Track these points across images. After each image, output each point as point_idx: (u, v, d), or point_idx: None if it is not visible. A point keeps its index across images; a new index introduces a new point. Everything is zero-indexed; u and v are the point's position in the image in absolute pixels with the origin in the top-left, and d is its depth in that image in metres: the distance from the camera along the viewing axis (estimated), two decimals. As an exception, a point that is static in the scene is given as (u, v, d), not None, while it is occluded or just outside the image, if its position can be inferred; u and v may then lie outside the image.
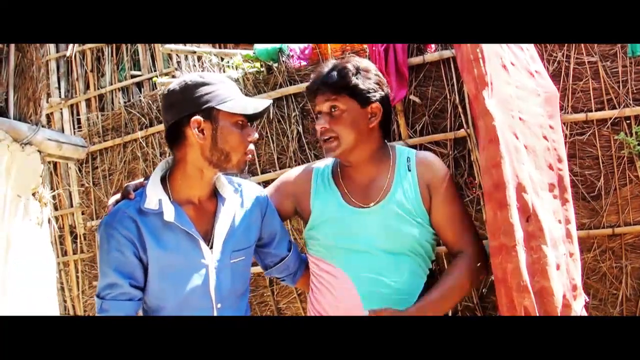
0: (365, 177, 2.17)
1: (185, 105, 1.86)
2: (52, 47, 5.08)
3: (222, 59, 3.76)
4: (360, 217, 2.11)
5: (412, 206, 2.10)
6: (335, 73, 2.10)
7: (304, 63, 3.40)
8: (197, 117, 1.84)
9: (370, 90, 2.10)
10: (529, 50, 1.72)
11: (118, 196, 1.96)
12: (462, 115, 2.93)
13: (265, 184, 3.35)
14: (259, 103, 1.90)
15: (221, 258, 1.94)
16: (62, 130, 4.93)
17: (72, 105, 4.94)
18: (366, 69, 2.12)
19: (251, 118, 1.92)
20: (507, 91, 1.58)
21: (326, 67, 2.14)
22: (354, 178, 2.19)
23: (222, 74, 3.01)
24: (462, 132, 2.92)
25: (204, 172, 1.92)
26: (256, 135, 1.93)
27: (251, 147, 1.93)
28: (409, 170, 2.14)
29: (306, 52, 3.39)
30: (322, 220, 2.17)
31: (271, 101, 1.93)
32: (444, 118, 2.99)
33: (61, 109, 4.94)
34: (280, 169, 3.36)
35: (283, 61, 3.38)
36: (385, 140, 2.23)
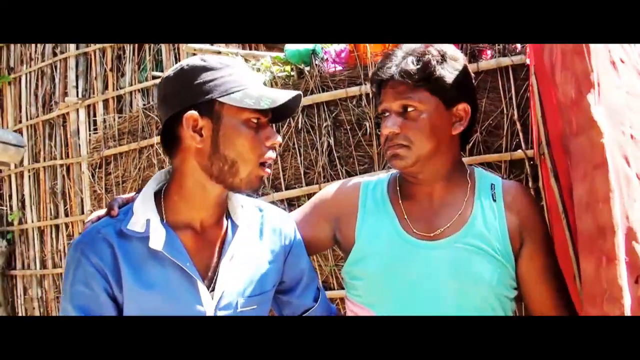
0: (436, 200, 1.65)
1: (179, 97, 1.42)
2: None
3: (249, 61, 3.44)
4: (424, 252, 1.59)
5: (497, 242, 1.59)
6: (412, 59, 1.57)
7: (339, 68, 3.09)
8: (192, 113, 1.40)
9: (459, 86, 1.60)
10: (637, 47, 1.29)
11: (102, 212, 1.54)
12: (520, 134, 2.57)
13: (289, 201, 3.08)
14: (280, 94, 1.43)
15: (225, 306, 1.47)
16: (78, 132, 4.63)
17: (89, 106, 4.64)
18: (454, 57, 1.62)
19: (275, 116, 1.50)
20: (616, 98, 1.15)
21: (397, 52, 1.62)
22: (420, 199, 1.67)
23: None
24: (519, 154, 2.56)
25: (207, 187, 1.46)
26: (278, 139, 1.46)
27: (270, 154, 1.46)
28: (494, 200, 1.63)
29: (342, 55, 3.06)
30: (369, 254, 1.64)
31: (299, 93, 1.49)
32: (499, 136, 2.63)
33: (77, 109, 4.64)
34: (306, 185, 3.07)
35: (316, 65, 3.08)
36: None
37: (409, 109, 1.56)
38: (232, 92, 1.40)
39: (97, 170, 4.33)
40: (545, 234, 1.63)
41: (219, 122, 1.41)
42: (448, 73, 1.56)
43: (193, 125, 1.40)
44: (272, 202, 3.05)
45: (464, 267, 1.56)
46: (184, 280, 1.43)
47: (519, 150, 2.55)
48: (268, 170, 1.47)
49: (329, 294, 2.96)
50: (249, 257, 1.54)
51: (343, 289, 1.85)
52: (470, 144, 2.63)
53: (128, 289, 1.39)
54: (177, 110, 1.41)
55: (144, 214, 1.44)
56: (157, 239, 1.41)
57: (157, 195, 1.49)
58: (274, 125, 1.53)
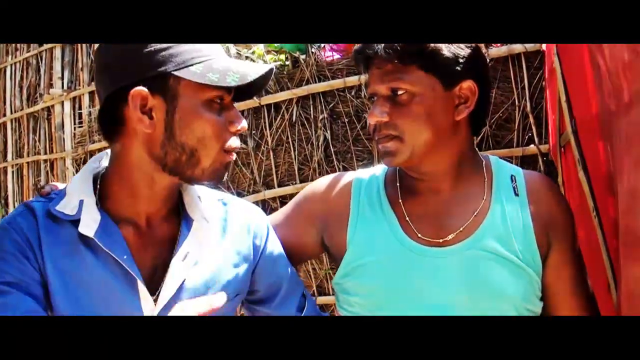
0: (444, 198, 1.38)
1: (124, 68, 1.14)
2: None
3: (239, 52, 3.26)
4: (431, 261, 1.33)
5: (521, 245, 1.32)
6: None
7: (337, 56, 2.94)
8: (141, 89, 1.12)
9: (460, 59, 1.32)
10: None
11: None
12: (533, 127, 2.40)
13: (282, 199, 2.90)
14: (250, 68, 1.18)
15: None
16: (62, 126, 4.43)
17: (74, 98, 4.43)
18: None
19: (238, 94, 1.23)
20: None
21: None
22: (425, 197, 1.39)
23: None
24: (532, 149, 2.39)
25: (155, 179, 1.20)
26: (244, 124, 1.21)
27: (235, 142, 1.20)
28: (516, 195, 1.36)
29: (340, 42, 2.86)
30: (364, 264, 1.37)
31: (272, 67, 1.23)
32: (510, 130, 2.46)
33: (62, 101, 4.44)
34: (301, 182, 2.90)
35: (312, 53, 2.92)
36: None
37: (399, 92, 1.29)
38: (192, 65, 1.14)
39: (81, 165, 4.14)
40: (574, 237, 1.39)
41: (175, 102, 1.14)
42: (445, 44, 1.29)
43: (141, 104, 1.13)
44: (264, 200, 2.90)
45: (480, 277, 1.30)
46: (120, 278, 1.16)
47: (532, 145, 2.39)
48: (233, 155, 1.22)
49: (324, 299, 2.78)
50: (208, 258, 1.27)
51: (338, 295, 1.64)
52: (479, 138, 2.44)
53: (52, 282, 1.14)
54: (121, 85, 1.13)
55: (77, 195, 1.18)
56: (89, 223, 1.16)
57: (97, 181, 1.23)
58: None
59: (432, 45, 1.27)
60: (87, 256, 1.16)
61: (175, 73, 1.13)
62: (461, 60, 1.30)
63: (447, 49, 1.28)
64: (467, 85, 1.31)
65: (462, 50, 1.30)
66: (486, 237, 1.32)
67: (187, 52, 1.14)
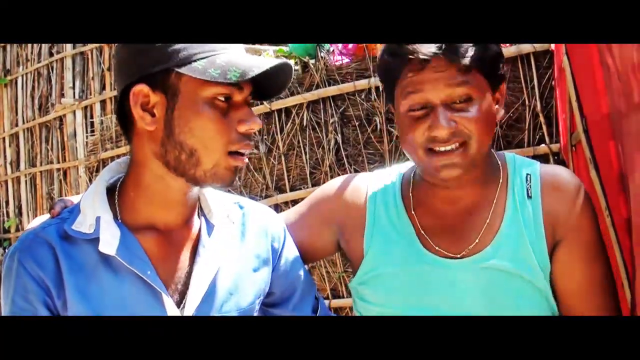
0: (460, 205, 1.31)
1: (131, 66, 1.13)
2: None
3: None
4: (446, 275, 1.27)
5: (537, 255, 1.24)
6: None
7: (346, 60, 2.93)
8: (142, 86, 1.10)
9: (502, 63, 1.29)
10: None
11: (46, 216, 1.23)
12: (544, 127, 2.38)
13: (294, 203, 2.89)
14: (256, 63, 1.10)
15: None
16: (74, 135, 4.47)
17: (85, 107, 4.47)
18: None
19: (259, 92, 1.18)
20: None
21: None
22: (440, 206, 1.32)
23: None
24: (543, 148, 2.37)
25: (167, 181, 1.17)
26: (255, 124, 1.15)
27: (244, 142, 1.14)
28: (529, 197, 1.27)
29: (350, 46, 2.87)
30: (381, 274, 1.33)
31: (285, 61, 1.15)
32: (521, 130, 2.45)
33: (74, 110, 4.48)
34: (313, 186, 2.89)
35: (321, 57, 2.92)
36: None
37: (461, 99, 1.19)
38: (194, 60, 1.08)
39: (94, 174, 4.17)
40: (590, 236, 1.25)
41: (175, 98, 1.10)
42: (496, 47, 1.25)
43: (143, 102, 1.11)
44: (276, 205, 2.91)
45: (495, 293, 1.24)
46: (145, 294, 1.14)
47: (543, 145, 2.37)
48: (244, 159, 1.17)
49: (338, 302, 2.78)
50: (229, 264, 1.25)
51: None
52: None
53: (73, 305, 1.12)
54: (128, 83, 1.12)
55: (92, 212, 1.15)
56: (109, 240, 1.13)
57: (112, 192, 1.20)
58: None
59: (492, 48, 1.23)
60: (109, 275, 1.14)
61: (177, 69, 1.09)
62: (503, 63, 1.29)
63: (495, 51, 1.25)
64: (503, 87, 1.30)
65: (499, 50, 1.28)
66: (500, 250, 1.25)
67: (192, 47, 1.10)
